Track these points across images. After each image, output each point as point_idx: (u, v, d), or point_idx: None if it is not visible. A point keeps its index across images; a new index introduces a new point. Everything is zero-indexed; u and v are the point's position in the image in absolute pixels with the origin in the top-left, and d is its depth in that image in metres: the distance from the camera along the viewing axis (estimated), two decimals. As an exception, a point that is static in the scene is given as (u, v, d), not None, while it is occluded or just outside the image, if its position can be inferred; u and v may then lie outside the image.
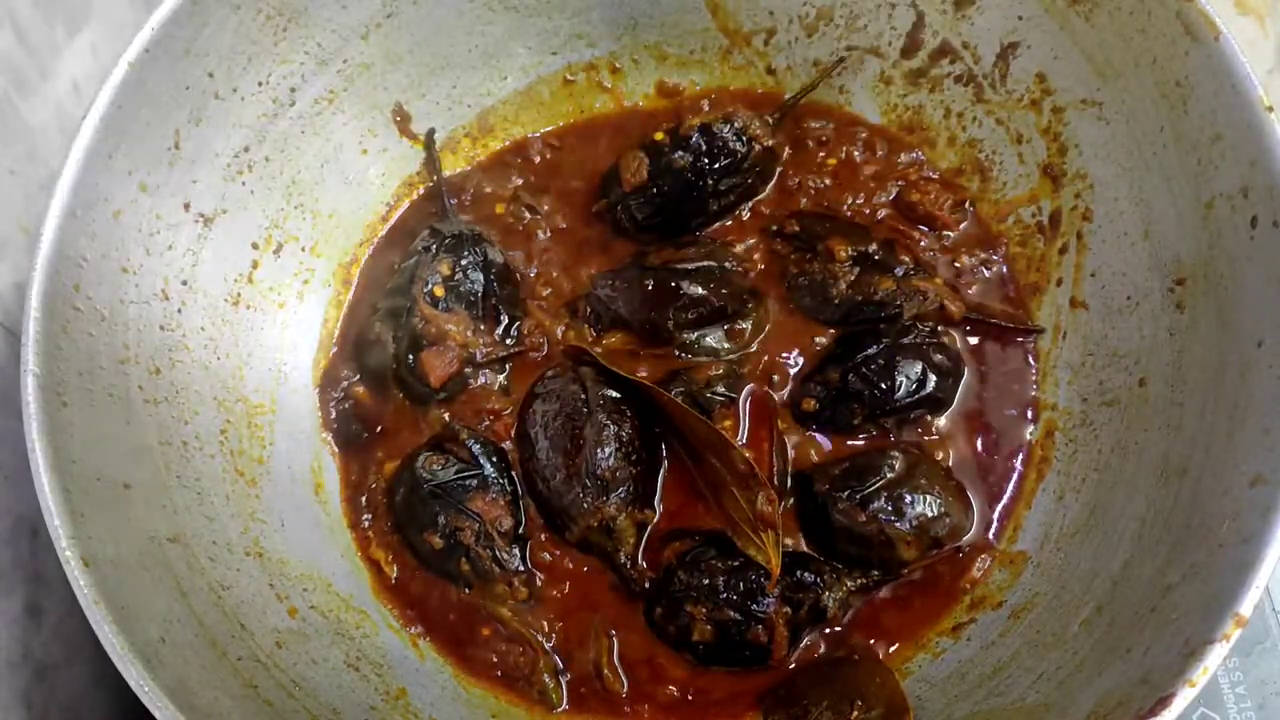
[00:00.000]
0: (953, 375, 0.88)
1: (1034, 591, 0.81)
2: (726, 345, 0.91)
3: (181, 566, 0.75)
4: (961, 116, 0.94)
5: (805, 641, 0.82)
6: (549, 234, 0.97)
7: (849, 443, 0.88)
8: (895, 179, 0.96)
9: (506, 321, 0.93)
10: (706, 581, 0.81)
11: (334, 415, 0.93)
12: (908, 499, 0.82)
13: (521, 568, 0.85)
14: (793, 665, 0.82)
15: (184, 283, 0.84)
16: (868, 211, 0.95)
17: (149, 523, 0.75)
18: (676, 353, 0.91)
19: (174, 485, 0.79)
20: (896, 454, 0.85)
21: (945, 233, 0.94)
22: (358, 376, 0.94)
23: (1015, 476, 0.87)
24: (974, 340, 0.91)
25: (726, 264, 0.92)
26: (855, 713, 0.76)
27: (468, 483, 0.86)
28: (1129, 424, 0.81)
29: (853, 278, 0.90)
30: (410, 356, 0.90)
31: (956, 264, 0.93)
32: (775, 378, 0.90)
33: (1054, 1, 0.83)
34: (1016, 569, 0.83)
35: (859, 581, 0.83)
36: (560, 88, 1.01)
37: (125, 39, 0.77)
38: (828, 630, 0.83)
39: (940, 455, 0.87)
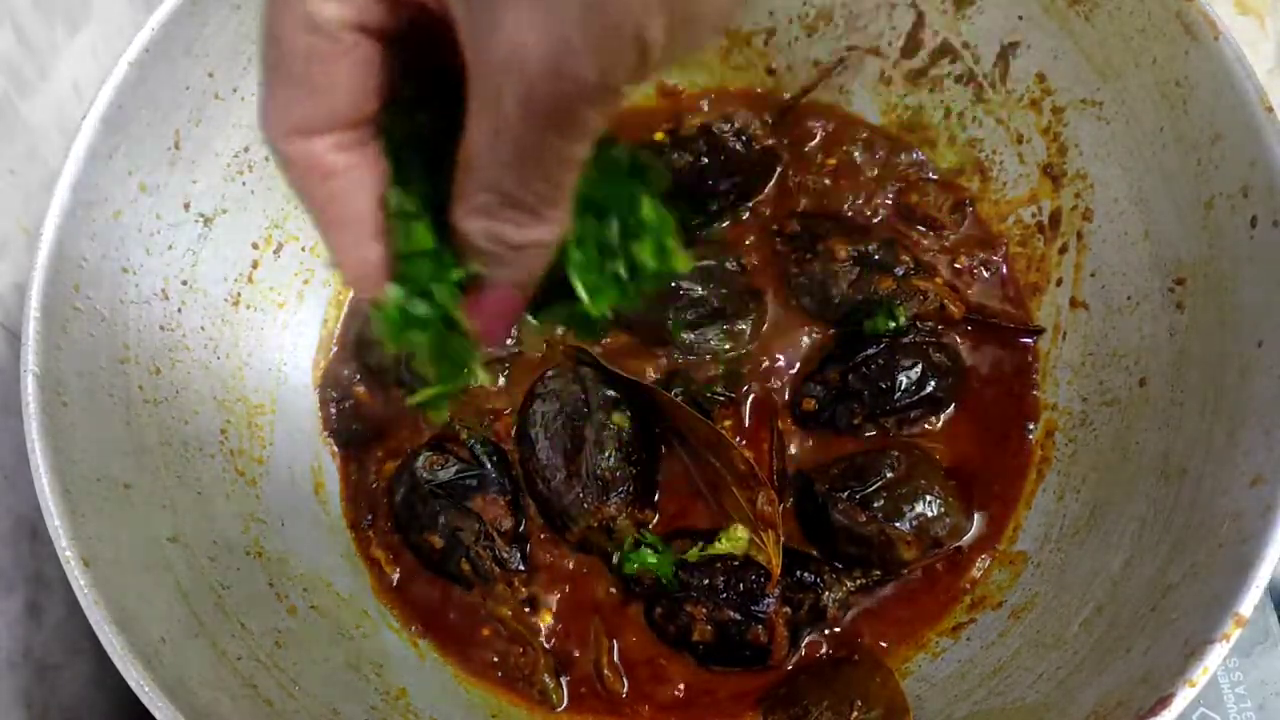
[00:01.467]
0: (953, 375, 0.88)
1: (1034, 591, 0.81)
2: (726, 345, 0.91)
3: (181, 566, 0.75)
4: (961, 116, 0.94)
5: (805, 641, 0.82)
6: (549, 234, 0.97)
7: (849, 443, 0.88)
8: (895, 179, 0.96)
9: (506, 321, 0.92)
10: (706, 581, 0.81)
11: (334, 415, 0.93)
12: (908, 499, 0.82)
13: (521, 568, 0.85)
14: (792, 666, 0.82)
15: (184, 283, 0.84)
16: (868, 212, 0.95)
17: (149, 523, 0.75)
18: (676, 353, 0.91)
19: (174, 485, 0.79)
20: (896, 454, 0.85)
21: (945, 233, 0.94)
22: (358, 376, 0.94)
23: (1015, 476, 0.87)
24: (974, 340, 0.91)
25: (726, 264, 0.92)
26: (855, 713, 0.76)
27: (468, 483, 0.86)
28: (1129, 424, 0.81)
29: (853, 277, 0.90)
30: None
31: (956, 264, 0.93)
32: (775, 378, 0.90)
33: (1054, 1, 0.83)
34: (1016, 569, 0.83)
35: (859, 581, 0.83)
36: (560, 88, 1.01)
37: (125, 39, 0.77)
38: (828, 630, 0.83)
39: (940, 455, 0.87)
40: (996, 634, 0.80)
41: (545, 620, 0.85)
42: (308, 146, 0.43)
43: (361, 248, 0.47)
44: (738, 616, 0.80)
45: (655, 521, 0.86)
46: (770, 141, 0.93)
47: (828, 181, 0.96)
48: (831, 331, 0.91)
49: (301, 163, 0.44)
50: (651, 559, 0.81)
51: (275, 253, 0.92)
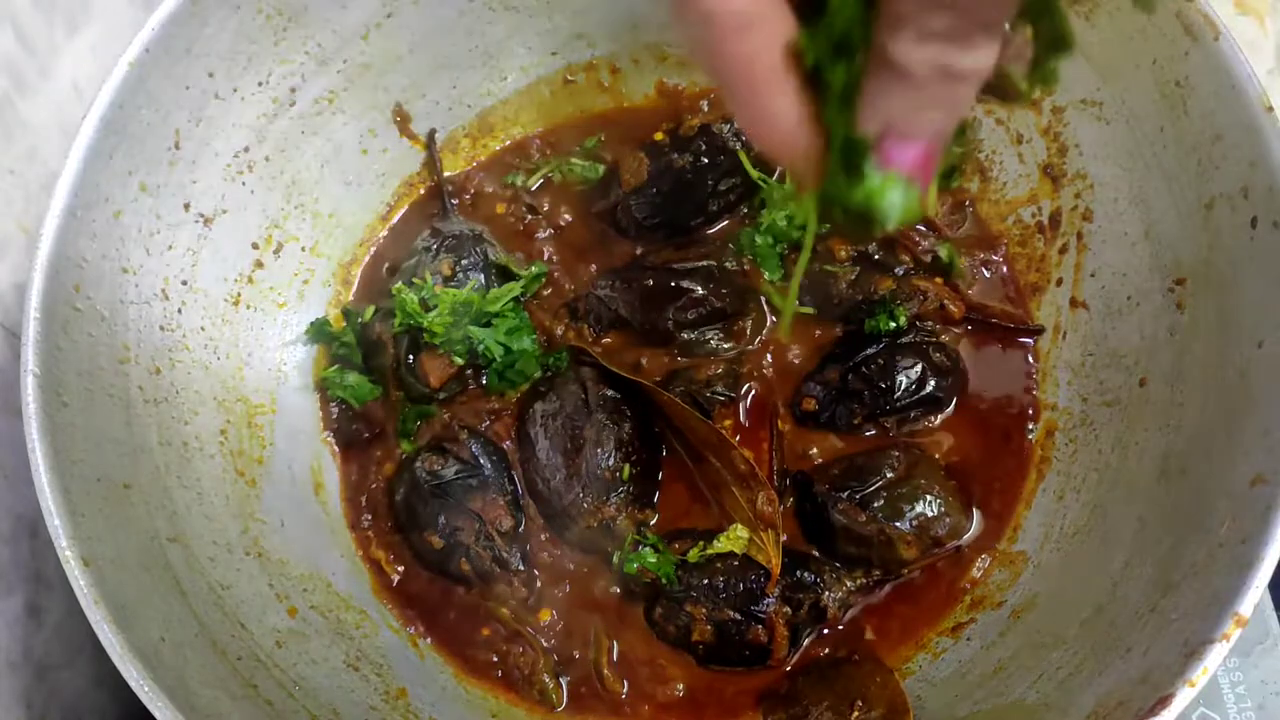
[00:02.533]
0: (952, 375, 0.88)
1: (1034, 591, 0.81)
2: (726, 345, 0.91)
3: (181, 566, 0.75)
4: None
5: (805, 641, 0.82)
6: (549, 234, 0.97)
7: (849, 442, 0.88)
8: (895, 179, 0.96)
9: (506, 321, 0.93)
10: (706, 581, 0.81)
11: (334, 415, 0.93)
12: (908, 499, 0.82)
13: (521, 568, 0.85)
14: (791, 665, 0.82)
15: (184, 283, 0.84)
16: (868, 211, 0.95)
17: (149, 523, 0.75)
18: (676, 353, 0.91)
19: (174, 485, 0.79)
20: (896, 454, 0.85)
21: (945, 233, 0.94)
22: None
23: (1015, 476, 0.87)
24: (974, 340, 0.91)
25: (726, 264, 0.92)
26: (855, 713, 0.76)
27: (468, 483, 0.86)
28: (1129, 424, 0.81)
29: (853, 277, 0.90)
30: (410, 356, 0.90)
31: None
32: (775, 377, 0.90)
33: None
34: (1016, 569, 0.83)
35: (859, 581, 0.83)
36: (560, 88, 1.01)
37: (125, 39, 0.77)
38: (828, 630, 0.83)
39: (940, 455, 0.87)
40: (996, 634, 0.80)
41: (545, 620, 0.85)
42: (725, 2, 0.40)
43: (785, 108, 0.43)
44: (738, 616, 0.80)
45: (655, 521, 0.86)
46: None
47: (828, 181, 0.96)
48: (832, 331, 0.91)
49: (720, 18, 0.40)
50: (651, 559, 0.81)
51: (275, 253, 0.92)
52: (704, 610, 0.80)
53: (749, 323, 0.92)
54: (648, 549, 0.82)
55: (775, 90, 0.42)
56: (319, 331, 0.93)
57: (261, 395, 0.90)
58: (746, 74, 0.42)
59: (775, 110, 0.43)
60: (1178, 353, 0.78)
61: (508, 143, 1.02)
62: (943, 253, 0.90)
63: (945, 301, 0.89)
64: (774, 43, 0.41)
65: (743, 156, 0.91)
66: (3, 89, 0.81)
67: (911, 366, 0.87)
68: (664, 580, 0.81)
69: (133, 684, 0.64)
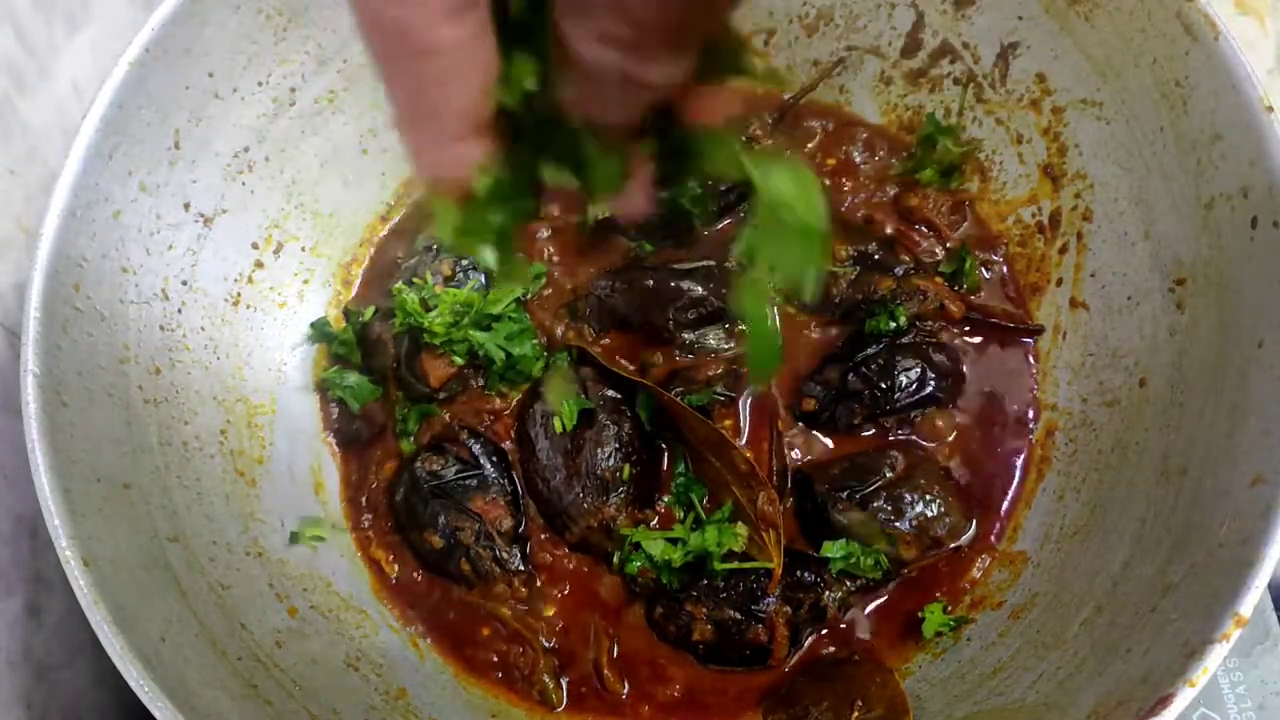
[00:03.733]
0: (952, 375, 0.88)
1: (1034, 591, 0.81)
2: (726, 345, 0.91)
3: (181, 566, 0.75)
4: (961, 116, 0.94)
5: (806, 641, 0.82)
6: (549, 234, 0.97)
7: (849, 443, 0.88)
8: (895, 179, 0.96)
9: (506, 321, 0.93)
10: (706, 581, 0.81)
11: (334, 415, 0.93)
12: (907, 499, 0.82)
13: (521, 568, 0.85)
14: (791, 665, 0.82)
15: (184, 283, 0.84)
16: (868, 211, 0.95)
17: (149, 523, 0.75)
18: (676, 353, 0.91)
19: (174, 485, 0.79)
20: (896, 454, 0.85)
21: (944, 234, 0.94)
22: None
23: (1015, 476, 0.87)
24: (974, 340, 0.91)
25: (726, 263, 0.92)
26: (855, 713, 0.76)
27: (468, 483, 0.86)
28: (1129, 424, 0.81)
29: (853, 277, 0.90)
30: (410, 357, 0.90)
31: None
32: (775, 377, 0.90)
33: (1054, 1, 0.83)
34: (1016, 569, 0.83)
35: (859, 581, 0.83)
36: (560, 87, 1.01)
37: (125, 39, 0.77)
38: (828, 630, 0.83)
39: (940, 455, 0.87)
40: (996, 634, 0.80)
41: (545, 620, 0.85)
42: (415, 14, 0.35)
43: (458, 145, 0.39)
44: (738, 616, 0.80)
45: (655, 522, 0.86)
46: (770, 141, 0.93)
47: (828, 181, 0.96)
48: (832, 331, 0.91)
49: (403, 36, 0.36)
50: (655, 549, 0.80)
51: (275, 253, 0.92)
52: (704, 610, 0.80)
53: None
54: (649, 543, 0.81)
55: (459, 128, 0.40)
56: (319, 331, 0.93)
57: (261, 395, 0.90)
58: (431, 105, 0.39)
59: (451, 150, 0.40)
60: (1178, 353, 0.78)
61: (508, 142, 1.02)
62: (964, 265, 0.90)
63: (945, 301, 0.89)
64: (468, 75, 0.38)
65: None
66: (3, 89, 0.81)
67: (911, 367, 0.87)
68: (665, 580, 0.81)
69: (133, 684, 0.64)
